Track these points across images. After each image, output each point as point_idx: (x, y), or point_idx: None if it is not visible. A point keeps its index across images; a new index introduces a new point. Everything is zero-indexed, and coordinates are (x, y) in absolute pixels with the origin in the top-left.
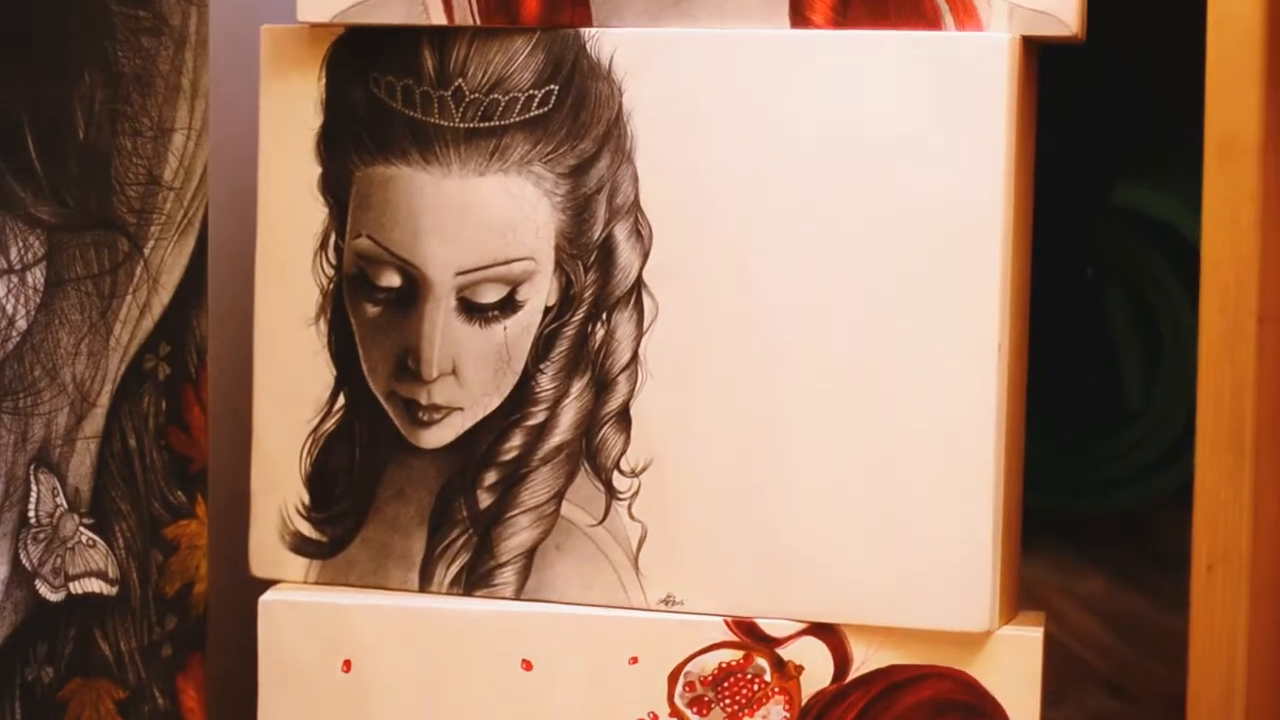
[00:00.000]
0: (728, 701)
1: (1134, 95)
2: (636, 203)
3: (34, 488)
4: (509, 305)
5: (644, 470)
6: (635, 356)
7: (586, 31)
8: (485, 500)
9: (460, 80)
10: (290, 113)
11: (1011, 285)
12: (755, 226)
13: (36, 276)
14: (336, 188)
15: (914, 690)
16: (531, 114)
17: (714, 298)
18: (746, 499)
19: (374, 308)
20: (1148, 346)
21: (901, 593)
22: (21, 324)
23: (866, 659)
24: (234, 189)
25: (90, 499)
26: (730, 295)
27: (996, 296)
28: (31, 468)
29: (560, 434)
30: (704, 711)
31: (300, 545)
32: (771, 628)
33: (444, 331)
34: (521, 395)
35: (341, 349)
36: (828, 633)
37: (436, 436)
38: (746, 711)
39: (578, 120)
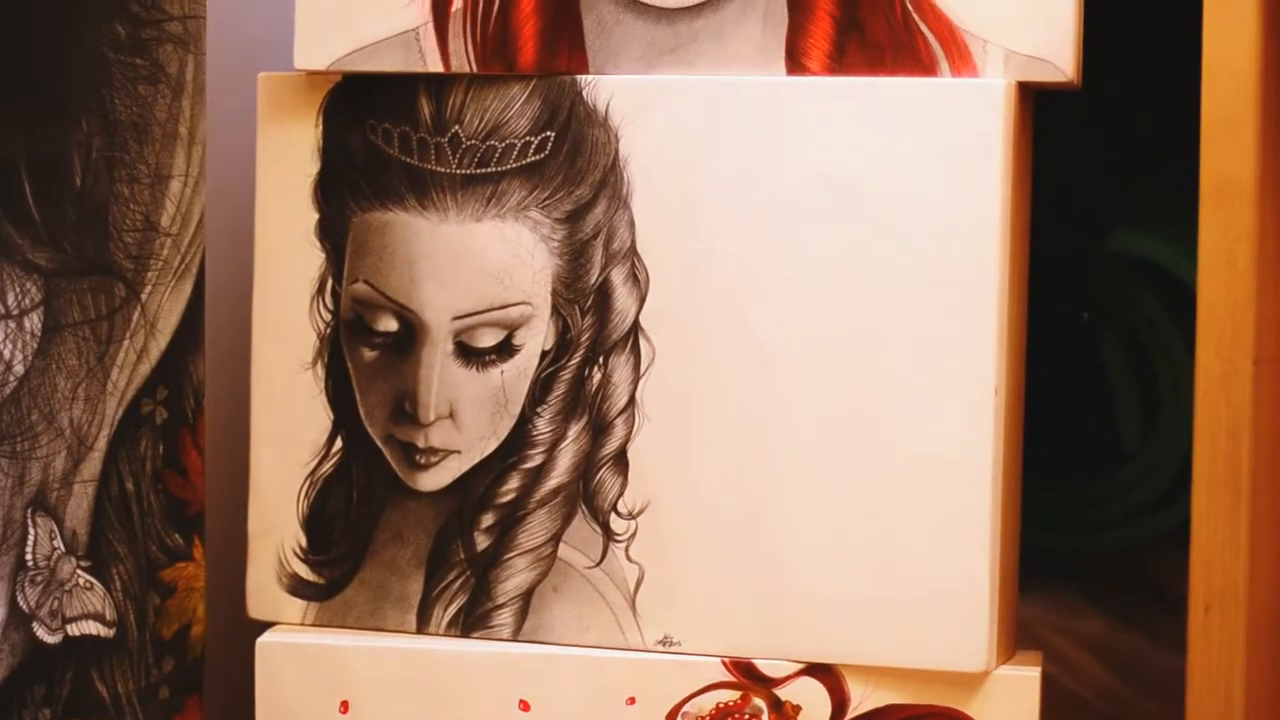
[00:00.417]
0: None
1: (1130, 139)
2: (633, 248)
3: (31, 531)
4: (506, 349)
5: (641, 512)
6: (632, 400)
7: (583, 78)
8: (483, 542)
9: (457, 127)
10: (287, 159)
11: (1008, 329)
12: (752, 271)
13: (34, 322)
14: (333, 233)
15: None
16: (528, 160)
17: (711, 342)
18: (743, 540)
19: (371, 352)
20: (1144, 389)
21: (899, 633)
22: (19, 369)
23: (864, 699)
24: (231, 235)
25: (88, 542)
26: (727, 339)
27: (993, 340)
28: (29, 511)
29: (557, 476)
30: None
31: (298, 587)
32: (769, 668)
33: (441, 375)
34: (519, 438)
35: (339, 393)
36: (825, 673)
37: (434, 479)
38: None
39: (574, 166)
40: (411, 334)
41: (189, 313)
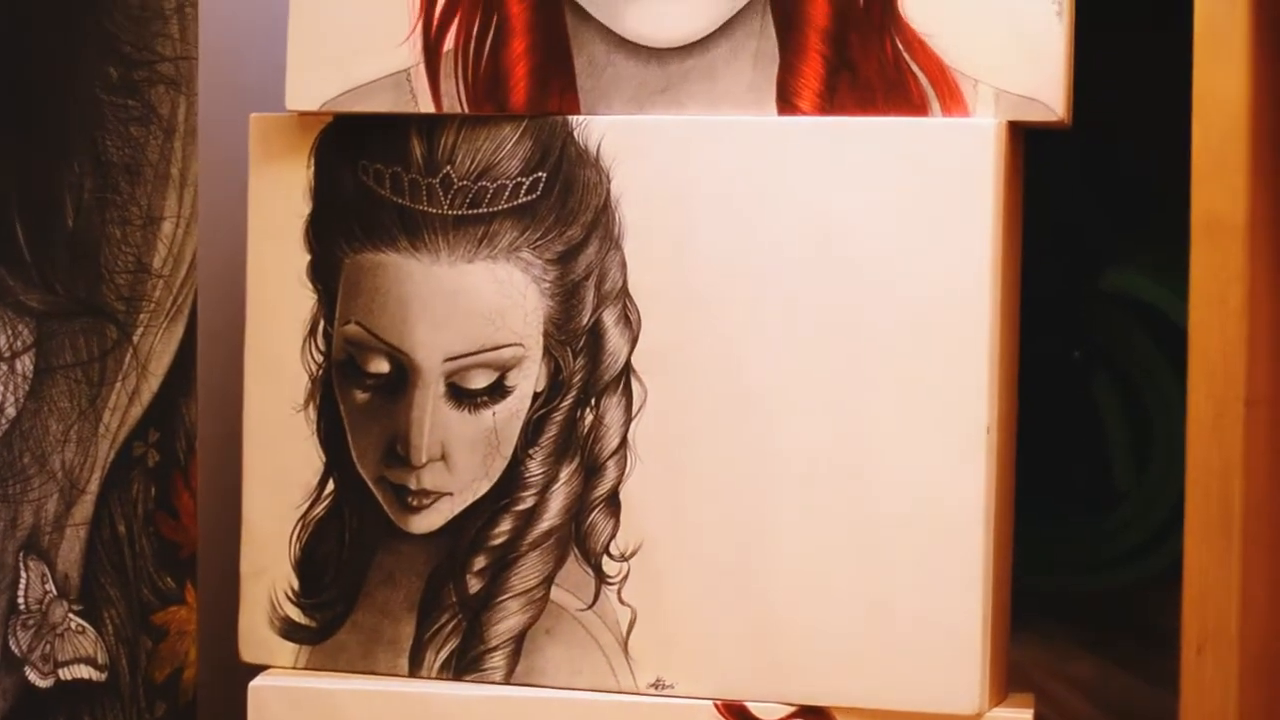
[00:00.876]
0: None
1: (1121, 178)
2: (625, 288)
3: (23, 574)
4: (498, 391)
5: (633, 555)
6: (624, 441)
7: (574, 119)
8: (475, 585)
9: (448, 167)
10: (279, 200)
11: (1000, 368)
12: (743, 312)
13: (25, 364)
14: (325, 275)
15: None
16: (520, 201)
17: (703, 383)
18: (736, 582)
19: (363, 394)
20: (1136, 428)
21: (891, 675)
22: (11, 411)
23: None
24: (223, 276)
25: (80, 585)
26: (719, 380)
27: (985, 379)
28: (20, 554)
29: (549, 519)
30: None
31: (290, 630)
32: (761, 710)
33: (433, 417)
34: (510, 480)
35: (331, 435)
36: (817, 715)
37: (426, 522)
38: None
39: (566, 207)
40: (403, 375)
41: (181, 354)
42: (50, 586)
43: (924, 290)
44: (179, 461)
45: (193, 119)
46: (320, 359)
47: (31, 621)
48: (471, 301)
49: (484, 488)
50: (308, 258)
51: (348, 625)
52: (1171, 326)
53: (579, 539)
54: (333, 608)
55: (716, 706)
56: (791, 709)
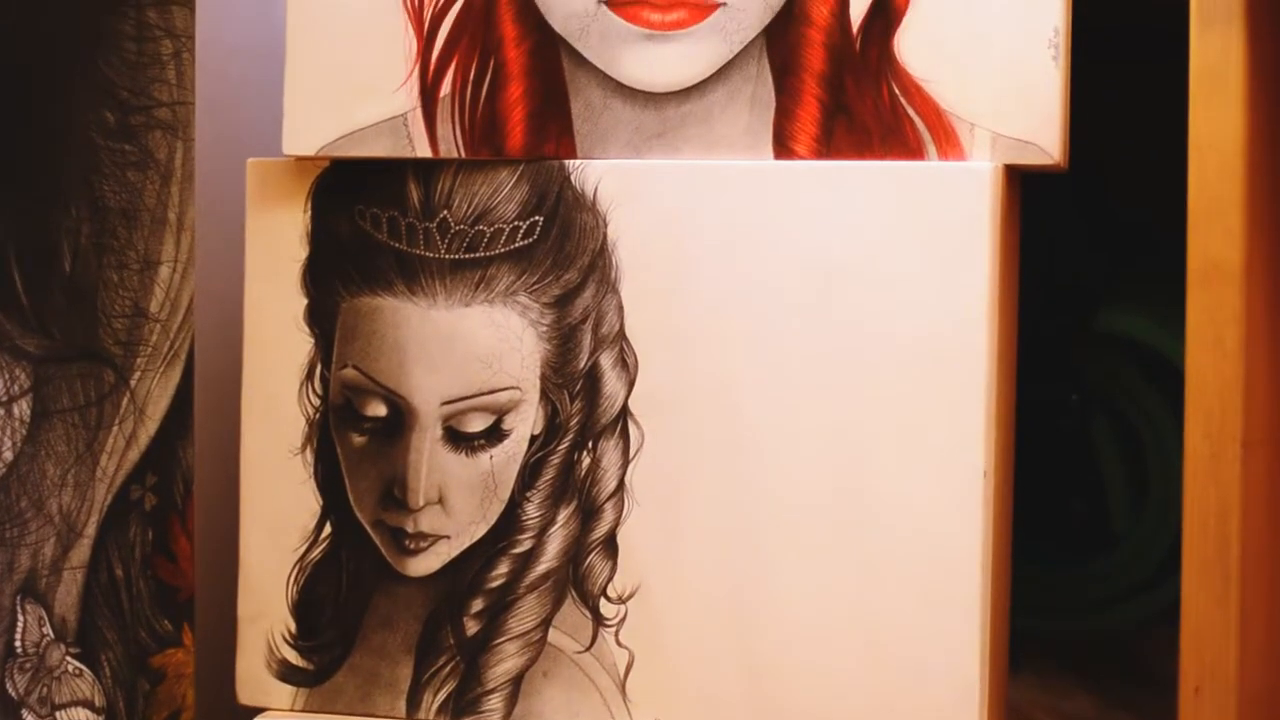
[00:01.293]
0: None
1: (1117, 221)
2: (622, 332)
3: (20, 618)
4: (495, 434)
5: (631, 597)
6: (621, 484)
7: (571, 163)
8: (472, 627)
9: (445, 212)
10: (276, 244)
11: (997, 411)
12: (741, 355)
13: (23, 409)
14: (322, 319)
15: None
16: (517, 245)
17: (700, 426)
18: (733, 624)
19: (360, 437)
20: (1133, 469)
21: (890, 715)
22: (8, 455)
23: None
24: (220, 320)
25: (77, 628)
26: (716, 423)
27: (982, 422)
28: (18, 598)
29: (547, 561)
30: None
31: (287, 673)
32: None
33: (430, 460)
34: (508, 523)
35: (328, 478)
36: None
37: (423, 564)
38: None
39: (563, 251)
40: (400, 419)
41: (178, 398)
42: (47, 630)
43: (921, 333)
44: (176, 505)
45: (190, 164)
46: (317, 402)
47: (29, 665)
48: (468, 345)
49: (481, 530)
50: (305, 302)
51: (345, 668)
52: (1168, 368)
53: (576, 581)
54: (330, 650)
55: None
56: None
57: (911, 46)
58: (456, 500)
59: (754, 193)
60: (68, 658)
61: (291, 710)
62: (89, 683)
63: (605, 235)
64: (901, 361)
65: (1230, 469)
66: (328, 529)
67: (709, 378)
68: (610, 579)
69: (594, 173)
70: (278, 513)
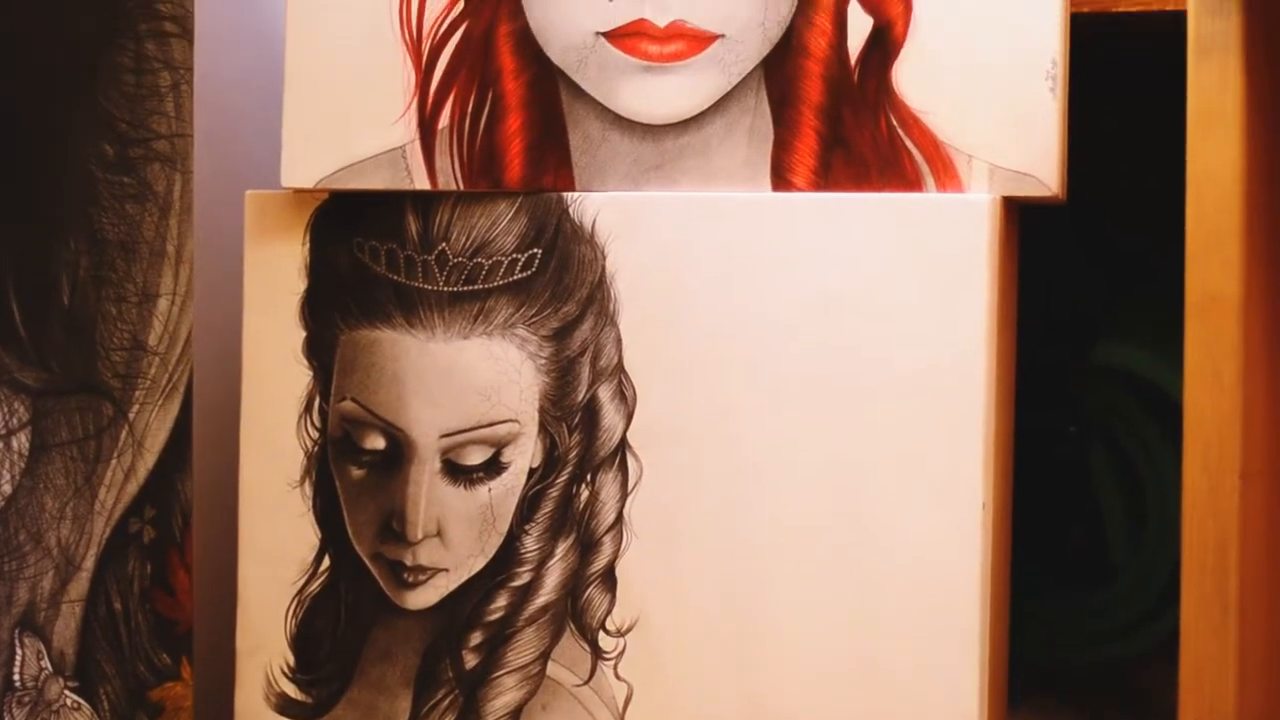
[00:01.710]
0: None
1: (1115, 253)
2: (620, 365)
3: (19, 651)
4: (494, 467)
5: (630, 630)
6: (620, 517)
7: (569, 195)
8: (471, 661)
9: (444, 244)
10: (275, 277)
11: (996, 443)
12: (739, 388)
13: (21, 441)
14: (321, 351)
15: None
16: (515, 277)
17: (698, 458)
18: (732, 657)
19: (358, 470)
20: (1132, 501)
21: None
22: (6, 489)
23: None
24: (218, 353)
25: (75, 662)
26: (714, 456)
27: (980, 454)
28: (16, 631)
29: (545, 594)
30: None
31: (286, 707)
32: None
33: (429, 493)
34: (507, 556)
35: (326, 511)
36: None
37: (422, 598)
38: None
39: (561, 283)
40: (399, 452)
41: (176, 431)
42: (46, 663)
43: (919, 365)
44: (175, 538)
45: (188, 196)
46: (316, 435)
47: (27, 699)
48: (467, 378)
49: (480, 563)
50: (303, 334)
51: (344, 701)
52: (1166, 400)
53: (575, 614)
54: (329, 684)
55: None
56: None
57: (909, 78)
58: (455, 533)
59: (752, 225)
60: (66, 691)
61: None
62: (87, 716)
63: (604, 267)
64: (900, 393)
65: (1228, 501)
66: (326, 562)
67: (707, 410)
68: (609, 612)
69: (592, 205)
70: (276, 546)
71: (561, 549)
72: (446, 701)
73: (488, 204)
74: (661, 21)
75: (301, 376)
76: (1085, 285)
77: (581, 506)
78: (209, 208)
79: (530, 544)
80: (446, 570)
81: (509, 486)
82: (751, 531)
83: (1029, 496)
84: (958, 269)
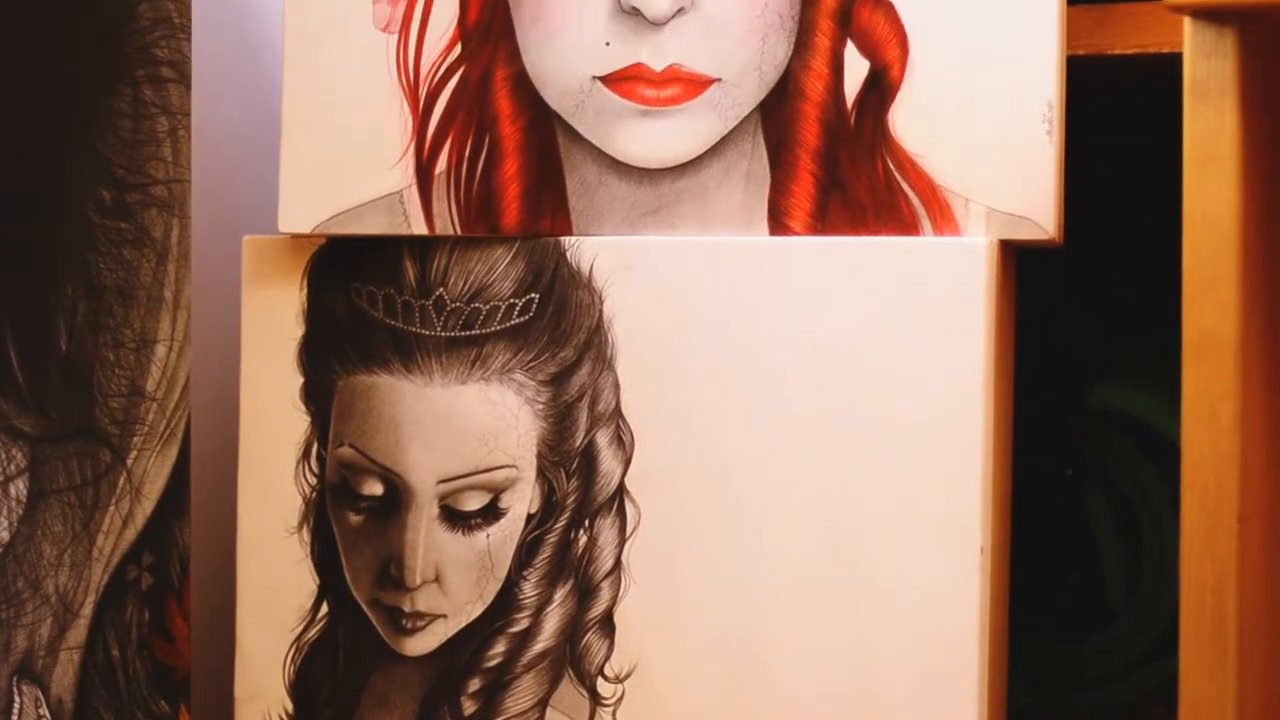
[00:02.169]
0: None
1: (1112, 295)
2: (618, 410)
3: (17, 699)
4: (491, 513)
5: (628, 676)
6: (618, 563)
7: (566, 240)
8: (469, 707)
9: (441, 289)
10: (272, 323)
11: (993, 487)
12: (737, 433)
13: (19, 488)
14: (319, 397)
15: None
16: (512, 322)
17: (696, 504)
18: (731, 703)
19: (356, 516)
20: (1129, 544)
21: None
22: (4, 535)
23: None
24: (216, 399)
25: (74, 710)
26: (713, 501)
27: (978, 499)
28: (14, 679)
29: (544, 640)
30: None
31: None
32: None
33: (426, 539)
34: (505, 602)
35: (324, 557)
36: None
37: (420, 644)
38: None
39: (559, 328)
40: (397, 497)
41: (174, 477)
42: (44, 711)
43: (917, 409)
44: (173, 585)
45: (186, 241)
46: (314, 481)
47: None
48: (464, 423)
49: (478, 610)
50: (301, 380)
51: None
52: (1163, 442)
53: (574, 661)
54: None
55: None
56: None
57: (906, 121)
58: (453, 579)
59: (749, 269)
60: None
61: None
62: None
63: (601, 312)
64: (898, 437)
65: (1227, 543)
66: (324, 608)
67: (705, 455)
68: (608, 658)
69: (589, 249)
70: (274, 592)
71: (560, 595)
72: None
73: (485, 249)
74: (658, 65)
75: (299, 422)
76: (1082, 328)
77: (579, 552)
78: (206, 253)
79: (528, 590)
80: (445, 616)
81: (507, 532)
82: (750, 577)
83: (1027, 540)
84: (955, 312)
